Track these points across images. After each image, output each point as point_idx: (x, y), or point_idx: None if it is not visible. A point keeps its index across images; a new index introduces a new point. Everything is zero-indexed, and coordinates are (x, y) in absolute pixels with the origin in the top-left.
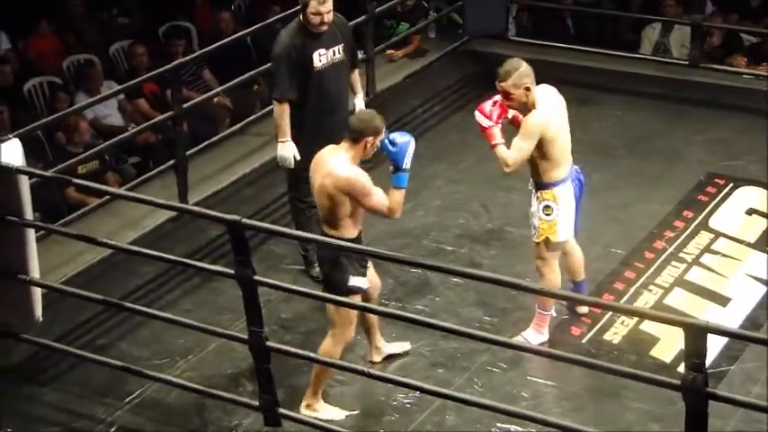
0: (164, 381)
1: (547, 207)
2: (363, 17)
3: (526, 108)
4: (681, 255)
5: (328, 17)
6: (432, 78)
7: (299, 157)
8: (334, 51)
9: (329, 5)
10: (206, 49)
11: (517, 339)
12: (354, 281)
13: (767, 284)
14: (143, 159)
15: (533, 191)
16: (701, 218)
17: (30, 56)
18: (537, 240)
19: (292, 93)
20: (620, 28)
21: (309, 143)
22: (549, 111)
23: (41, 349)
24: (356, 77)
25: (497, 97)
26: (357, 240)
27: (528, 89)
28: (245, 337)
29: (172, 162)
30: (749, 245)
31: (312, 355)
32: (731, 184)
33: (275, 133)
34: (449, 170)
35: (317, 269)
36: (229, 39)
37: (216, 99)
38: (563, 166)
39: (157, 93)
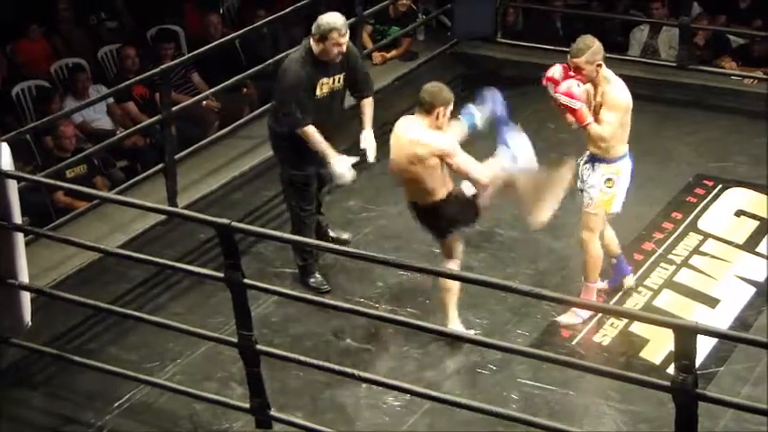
0: (154, 384)
1: (609, 180)
2: (353, 20)
3: (593, 83)
4: (670, 256)
5: (345, 47)
6: (421, 81)
7: (354, 173)
8: (334, 80)
9: (348, 35)
10: (195, 53)
11: (567, 314)
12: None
13: (756, 285)
14: (132, 163)
15: (591, 163)
16: (689, 219)
17: (19, 60)
18: (592, 211)
19: (311, 117)
20: (609, 30)
21: (303, 159)
22: (624, 86)
23: (31, 354)
24: (367, 107)
25: (557, 69)
26: (449, 198)
27: (599, 66)
28: (235, 340)
29: (161, 166)
30: (738, 246)
31: (301, 357)
32: (720, 186)
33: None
34: None
35: (313, 279)
36: (218, 42)
37: (205, 102)
38: (625, 142)
39: (146, 96)
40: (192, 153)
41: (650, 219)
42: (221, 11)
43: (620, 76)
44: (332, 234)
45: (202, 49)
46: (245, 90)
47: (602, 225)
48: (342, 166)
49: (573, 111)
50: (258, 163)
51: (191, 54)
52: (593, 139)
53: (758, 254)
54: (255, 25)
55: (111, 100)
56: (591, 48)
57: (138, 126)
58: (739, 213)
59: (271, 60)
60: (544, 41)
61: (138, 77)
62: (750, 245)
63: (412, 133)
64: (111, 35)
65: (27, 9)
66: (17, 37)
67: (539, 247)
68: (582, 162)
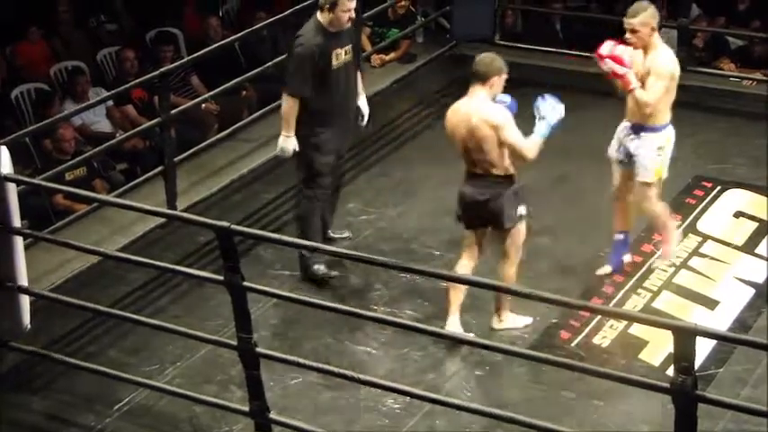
0: (153, 387)
1: (660, 148)
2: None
3: (647, 47)
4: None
5: (353, 14)
6: (420, 83)
7: (297, 149)
8: (345, 51)
9: (355, 1)
10: (194, 55)
11: (661, 258)
12: (521, 209)
13: (755, 287)
14: (131, 166)
15: (637, 133)
16: (689, 221)
17: (18, 63)
18: (649, 180)
19: (307, 90)
20: (608, 31)
21: (327, 139)
22: (673, 54)
23: (30, 357)
24: (359, 78)
25: (609, 46)
26: (515, 177)
27: (653, 29)
28: (235, 343)
29: (160, 168)
30: (737, 247)
31: (300, 360)
32: (719, 187)
33: (282, 126)
34: (438, 175)
35: (322, 267)
36: (217, 45)
37: (204, 105)
38: (669, 110)
39: (145, 99)
40: (191, 156)
41: (649, 220)
42: (220, 13)
43: None
44: (332, 234)
45: (202, 52)
46: (244, 93)
47: (656, 189)
48: (289, 144)
49: (619, 76)
50: (257, 166)
51: (190, 57)
52: (638, 107)
53: (757, 255)
54: (255, 28)
55: (110, 103)
56: (646, 10)
57: (138, 129)
58: (738, 215)
59: (270, 63)
60: (543, 43)
61: (137, 80)
62: (749, 246)
63: (474, 107)
64: (111, 37)
65: (27, 11)
66: (17, 39)
67: (537, 249)
68: (623, 134)
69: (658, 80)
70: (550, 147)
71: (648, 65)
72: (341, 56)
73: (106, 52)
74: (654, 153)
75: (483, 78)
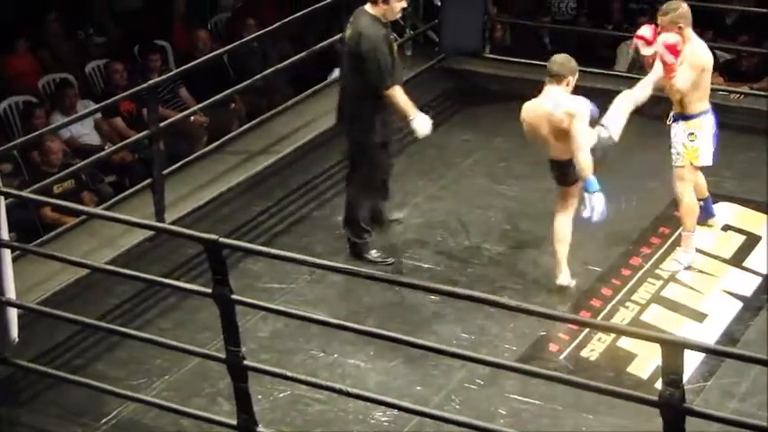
0: (141, 401)
1: (691, 134)
2: (339, 36)
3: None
4: (657, 271)
5: (405, 3)
6: (408, 95)
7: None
8: (394, 38)
9: None
10: (183, 68)
11: (671, 261)
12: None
13: (742, 300)
14: (119, 178)
15: (675, 122)
16: (677, 234)
17: (6, 75)
18: (680, 164)
19: (394, 79)
20: (597, 44)
21: (389, 131)
22: (706, 47)
23: (17, 370)
24: None
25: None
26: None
27: (681, 28)
28: (223, 356)
29: (149, 181)
30: (725, 261)
31: (289, 373)
32: None
33: (402, 115)
34: (427, 188)
35: (375, 253)
36: (206, 57)
37: (193, 117)
38: (706, 98)
39: (134, 111)
40: (180, 168)
41: (638, 233)
42: (209, 26)
43: (606, 90)
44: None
45: (190, 65)
46: (233, 105)
47: (692, 176)
48: (421, 122)
49: (665, 63)
50: (246, 178)
51: (179, 69)
52: (674, 95)
53: (745, 268)
54: (244, 40)
55: (98, 115)
56: (676, 11)
57: (126, 141)
58: (726, 228)
59: (259, 75)
60: (532, 57)
61: (125, 93)
62: (737, 259)
63: (549, 102)
64: (99, 50)
65: (16, 23)
66: (4, 51)
67: (525, 262)
68: (669, 122)
69: (690, 69)
70: (539, 159)
71: (682, 56)
72: (394, 45)
73: (95, 65)
74: (685, 139)
75: (558, 78)
